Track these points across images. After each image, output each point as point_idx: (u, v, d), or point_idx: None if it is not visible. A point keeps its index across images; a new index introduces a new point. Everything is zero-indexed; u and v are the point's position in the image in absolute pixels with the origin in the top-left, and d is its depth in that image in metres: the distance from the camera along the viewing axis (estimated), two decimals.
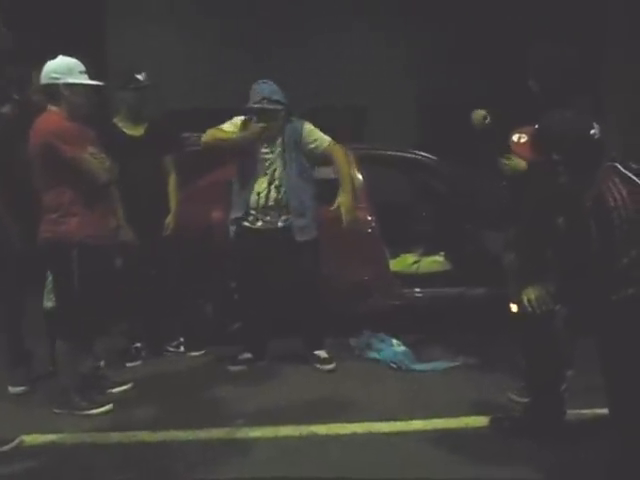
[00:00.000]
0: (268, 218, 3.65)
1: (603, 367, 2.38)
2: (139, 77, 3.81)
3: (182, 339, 4.10)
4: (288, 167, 3.62)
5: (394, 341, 3.99)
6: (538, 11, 7.77)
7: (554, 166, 2.37)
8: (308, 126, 3.69)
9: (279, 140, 3.64)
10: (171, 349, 4.07)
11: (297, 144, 3.63)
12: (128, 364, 3.83)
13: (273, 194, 3.62)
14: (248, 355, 3.82)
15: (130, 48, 7.73)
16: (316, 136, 3.67)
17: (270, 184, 3.62)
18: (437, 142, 5.71)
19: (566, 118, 2.45)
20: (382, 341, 4.02)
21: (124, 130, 3.86)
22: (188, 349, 4.07)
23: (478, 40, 7.88)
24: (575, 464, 2.54)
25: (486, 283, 4.16)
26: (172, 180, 3.96)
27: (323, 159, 3.73)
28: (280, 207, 3.64)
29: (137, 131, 3.88)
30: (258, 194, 3.63)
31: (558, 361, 2.76)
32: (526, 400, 2.98)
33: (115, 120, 3.89)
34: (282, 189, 3.62)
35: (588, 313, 2.44)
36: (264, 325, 3.88)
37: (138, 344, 3.94)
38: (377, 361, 3.85)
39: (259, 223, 3.68)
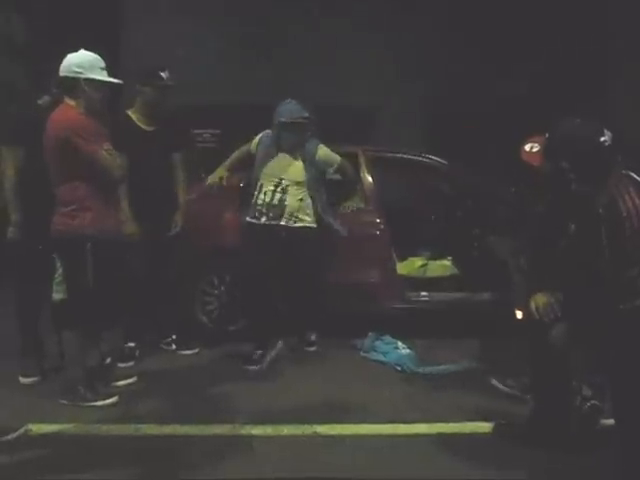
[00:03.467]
0: (286, 219, 3.90)
1: (610, 376, 2.37)
2: (163, 75, 3.81)
3: (174, 337, 4.08)
4: (307, 176, 3.94)
5: (399, 344, 4.00)
6: (549, 13, 7.77)
7: (565, 174, 2.37)
8: (322, 149, 4.00)
9: (299, 153, 3.96)
10: (164, 346, 4.07)
11: (312, 161, 3.98)
12: (121, 364, 3.72)
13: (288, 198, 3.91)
14: (261, 352, 3.85)
15: (144, 44, 7.75)
16: (328, 156, 4.01)
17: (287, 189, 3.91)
18: (447, 146, 5.72)
19: (576, 126, 2.45)
20: (387, 344, 4.03)
21: (137, 123, 3.86)
22: (179, 347, 4.06)
23: (491, 43, 7.87)
24: (579, 473, 2.54)
25: (493, 288, 4.16)
26: (180, 177, 3.98)
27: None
28: (299, 209, 3.92)
29: (149, 126, 3.88)
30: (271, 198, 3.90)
31: (563, 369, 2.75)
32: (507, 389, 3.27)
33: (129, 112, 3.87)
34: (301, 194, 3.93)
35: (595, 322, 2.43)
36: (272, 322, 3.92)
37: (132, 344, 3.89)
38: (382, 363, 3.86)
39: (282, 222, 3.90)
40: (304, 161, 3.95)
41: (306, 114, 3.88)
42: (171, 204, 3.92)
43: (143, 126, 3.87)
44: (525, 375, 3.18)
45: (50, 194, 3.16)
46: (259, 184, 3.96)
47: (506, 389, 3.35)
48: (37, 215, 3.28)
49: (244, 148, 4.12)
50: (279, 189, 3.91)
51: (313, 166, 3.97)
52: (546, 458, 2.62)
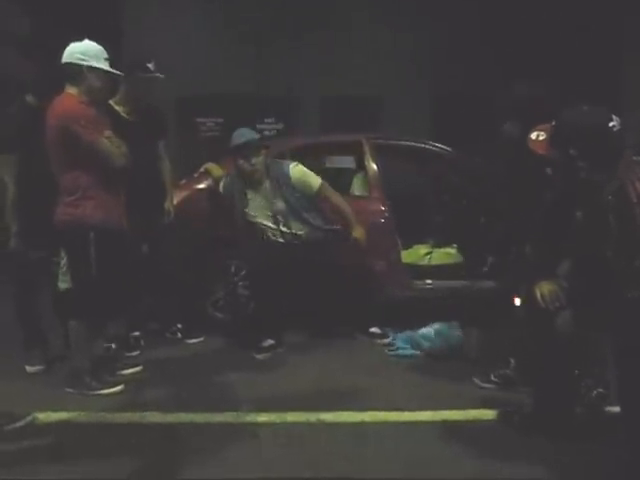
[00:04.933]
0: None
1: (616, 365, 2.36)
2: (149, 66, 3.77)
3: (180, 325, 4.10)
4: (289, 204, 3.90)
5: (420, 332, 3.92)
6: (552, 8, 7.72)
7: (573, 161, 2.34)
8: (295, 170, 3.91)
9: (266, 182, 3.92)
10: (169, 335, 4.08)
11: (287, 184, 3.89)
12: (127, 354, 3.73)
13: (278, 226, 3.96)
14: (271, 342, 3.85)
15: (145, 35, 7.71)
16: (305, 180, 3.92)
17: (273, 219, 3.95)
18: (452, 133, 5.68)
19: (583, 112, 2.42)
20: (406, 341, 3.97)
21: (121, 114, 3.80)
22: (185, 336, 4.08)
23: (494, 32, 7.81)
24: (584, 461, 2.53)
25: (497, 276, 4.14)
26: (166, 166, 3.99)
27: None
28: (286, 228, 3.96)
29: (132, 116, 3.83)
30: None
31: (567, 357, 2.74)
32: (490, 386, 3.20)
33: (111, 102, 3.79)
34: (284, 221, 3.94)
35: (601, 310, 2.41)
36: (282, 312, 3.93)
37: (137, 333, 3.90)
38: (389, 352, 3.87)
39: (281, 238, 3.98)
40: (278, 189, 3.88)
41: (252, 136, 3.93)
42: (160, 194, 3.91)
43: (126, 116, 3.81)
44: (508, 367, 3.21)
45: (48, 197, 3.15)
46: (257, 226, 3.95)
47: (488, 385, 3.25)
48: (37, 220, 3.28)
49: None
50: (281, 225, 3.94)
51: (291, 189, 3.89)
52: (551, 446, 2.62)
